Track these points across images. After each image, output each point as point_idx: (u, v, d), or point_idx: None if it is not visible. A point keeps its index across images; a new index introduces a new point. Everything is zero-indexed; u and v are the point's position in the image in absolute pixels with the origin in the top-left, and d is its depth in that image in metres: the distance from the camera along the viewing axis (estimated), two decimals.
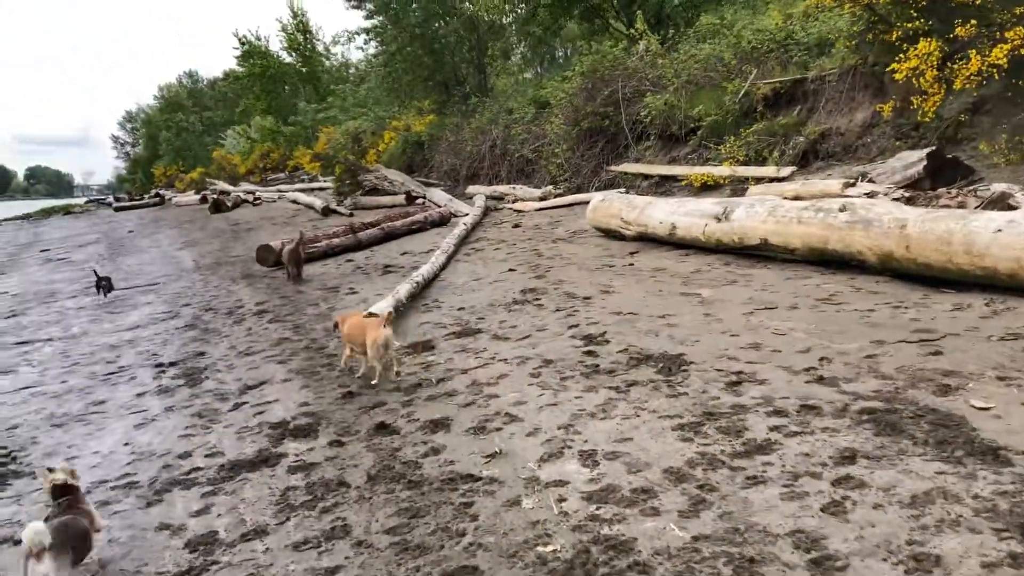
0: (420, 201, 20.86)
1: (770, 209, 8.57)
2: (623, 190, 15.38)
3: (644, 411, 4.68)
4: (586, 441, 4.35)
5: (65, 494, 3.62)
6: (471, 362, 6.28)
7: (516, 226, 14.66)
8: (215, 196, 31.21)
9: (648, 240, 10.79)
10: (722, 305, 7.05)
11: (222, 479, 4.59)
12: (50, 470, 3.70)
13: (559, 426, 4.65)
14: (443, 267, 10.92)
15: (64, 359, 8.61)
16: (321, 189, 29.55)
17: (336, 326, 6.57)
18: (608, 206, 11.84)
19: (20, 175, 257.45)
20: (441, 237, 14.70)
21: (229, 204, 29.50)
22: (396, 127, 30.99)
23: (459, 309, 8.28)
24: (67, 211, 49.15)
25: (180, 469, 4.84)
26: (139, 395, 6.77)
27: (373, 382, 6.00)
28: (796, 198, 9.71)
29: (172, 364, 7.70)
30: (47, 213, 47.69)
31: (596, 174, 17.91)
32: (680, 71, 16.62)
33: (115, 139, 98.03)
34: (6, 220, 45.87)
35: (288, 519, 3.96)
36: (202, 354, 7.98)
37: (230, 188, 37.63)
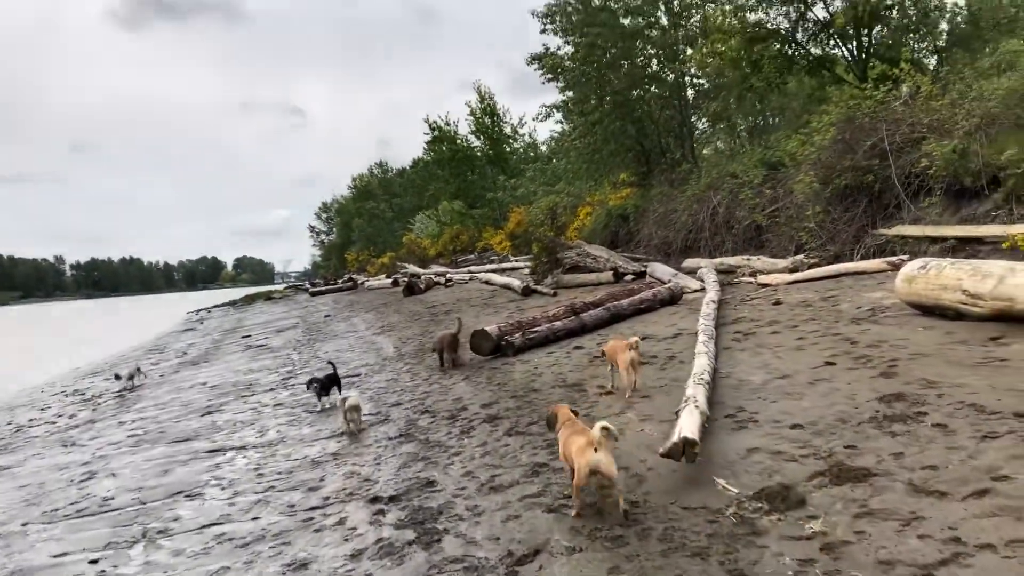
0: (629, 277, 18.58)
1: None
2: (905, 256, 12.32)
3: None
4: None
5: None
6: (915, 547, 3.56)
7: (777, 303, 11.82)
8: (407, 279, 30.53)
9: (1014, 320, 7.67)
10: None
11: None
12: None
13: None
14: (715, 357, 8.34)
15: (258, 480, 6.76)
16: (513, 269, 28.08)
17: (603, 354, 8.04)
18: (934, 276, 8.78)
19: (229, 265, 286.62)
20: (679, 317, 12.19)
21: (422, 286, 28.52)
22: (591, 202, 29.17)
23: (793, 427, 5.58)
24: (268, 297, 51.63)
25: None
26: (353, 556, 4.62)
27: (627, 395, 7.34)
28: None
29: (392, 499, 5.56)
30: (250, 299, 50.19)
31: (859, 239, 14.79)
32: (972, 111, 13.38)
33: (312, 228, 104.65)
34: (216, 307, 48.64)
35: None
36: (431, 484, 5.79)
37: (420, 271, 37.22)
